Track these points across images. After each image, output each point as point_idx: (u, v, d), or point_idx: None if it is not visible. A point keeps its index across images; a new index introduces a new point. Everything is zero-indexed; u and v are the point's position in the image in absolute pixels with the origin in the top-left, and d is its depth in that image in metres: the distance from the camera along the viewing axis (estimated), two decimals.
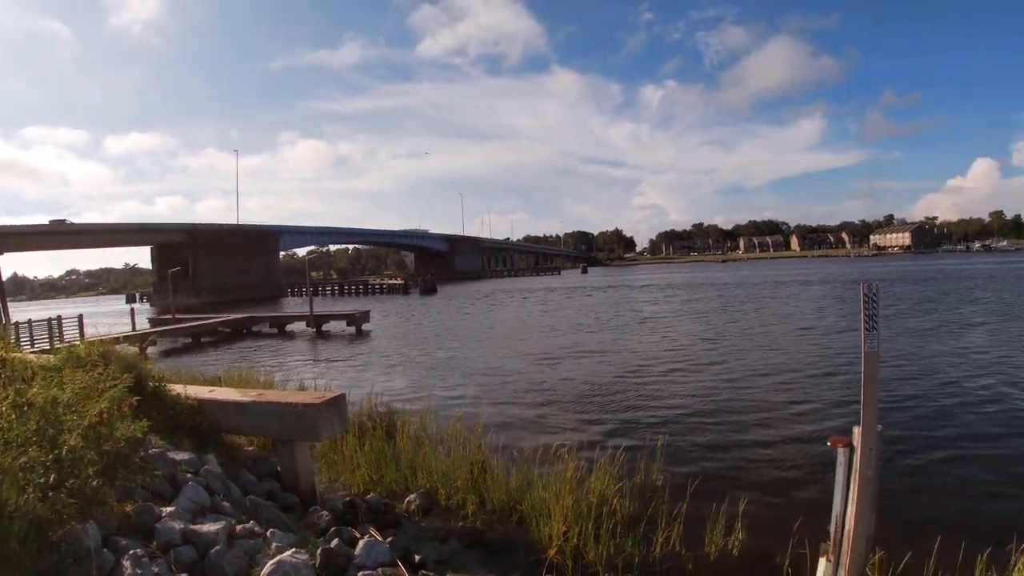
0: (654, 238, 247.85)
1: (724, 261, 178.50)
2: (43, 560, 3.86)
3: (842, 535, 4.14)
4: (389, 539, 6.27)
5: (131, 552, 4.53)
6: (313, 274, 74.90)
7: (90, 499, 4.43)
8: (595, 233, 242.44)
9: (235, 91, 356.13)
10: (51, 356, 8.53)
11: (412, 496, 7.67)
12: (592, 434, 10.74)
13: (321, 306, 42.15)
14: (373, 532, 6.43)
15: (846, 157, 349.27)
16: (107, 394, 5.00)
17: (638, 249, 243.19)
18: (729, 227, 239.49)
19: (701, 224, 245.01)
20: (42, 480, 4.13)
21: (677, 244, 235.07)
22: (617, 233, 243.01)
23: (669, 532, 6.34)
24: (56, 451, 4.34)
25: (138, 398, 5.90)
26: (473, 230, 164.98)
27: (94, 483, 4.49)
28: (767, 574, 5.77)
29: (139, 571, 4.37)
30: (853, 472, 4.02)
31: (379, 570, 5.51)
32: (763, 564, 5.94)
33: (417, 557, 6.14)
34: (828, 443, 4.14)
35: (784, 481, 8.44)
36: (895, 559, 4.63)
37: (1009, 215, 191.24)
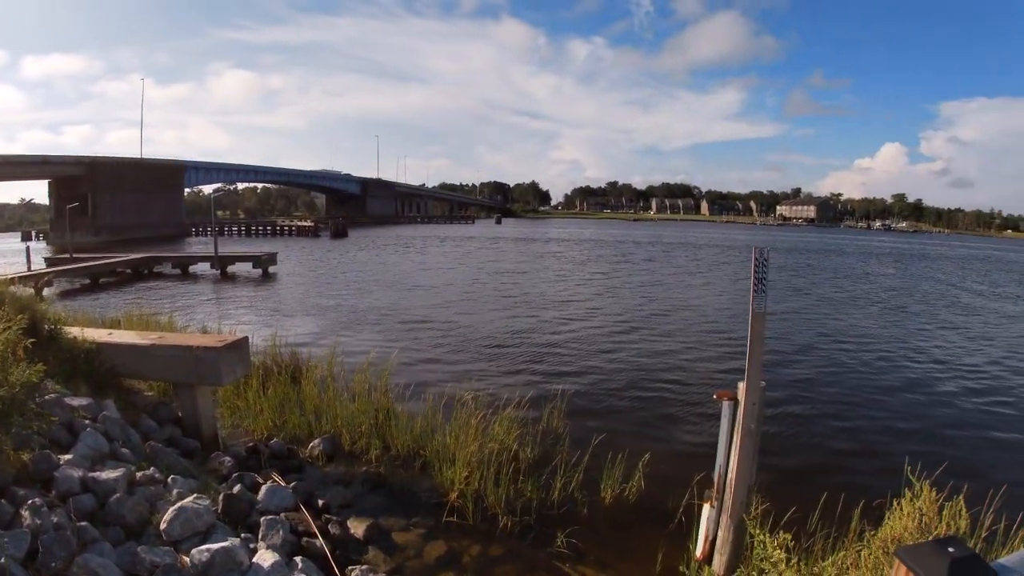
0: (569, 193, 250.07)
1: (636, 220, 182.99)
2: None
3: (725, 483, 4.53)
4: (292, 484, 6.29)
5: (30, 502, 4.41)
6: (219, 213, 71.23)
7: None
8: (511, 184, 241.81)
9: (154, 14, 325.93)
10: None
11: (316, 441, 7.67)
12: (498, 383, 10.91)
13: (227, 247, 40.46)
14: (275, 477, 6.44)
15: (763, 129, 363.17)
16: None
17: (553, 203, 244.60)
18: (644, 187, 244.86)
19: (616, 182, 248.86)
20: None
21: (592, 200, 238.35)
22: (533, 185, 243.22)
23: (568, 479, 6.65)
24: None
25: (33, 341, 5.62)
26: (389, 174, 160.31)
27: None
28: (658, 518, 6.21)
29: (38, 521, 4.26)
30: (737, 424, 4.39)
31: (282, 515, 5.55)
32: (655, 509, 6.38)
33: (320, 501, 6.23)
34: (714, 396, 4.49)
35: (680, 431, 9.01)
36: (777, 508, 5.05)
37: (911, 199, 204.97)
